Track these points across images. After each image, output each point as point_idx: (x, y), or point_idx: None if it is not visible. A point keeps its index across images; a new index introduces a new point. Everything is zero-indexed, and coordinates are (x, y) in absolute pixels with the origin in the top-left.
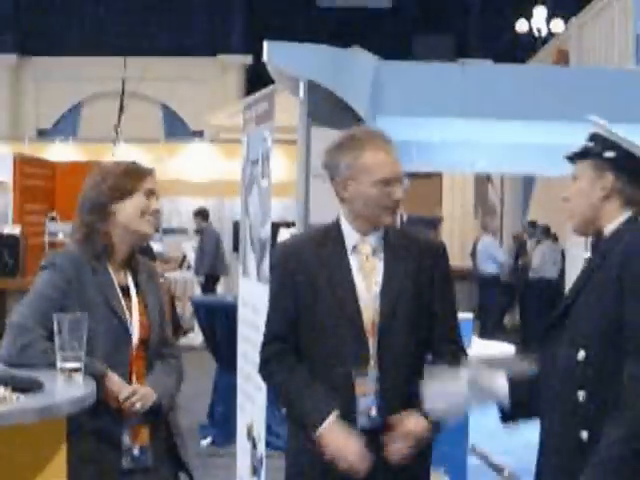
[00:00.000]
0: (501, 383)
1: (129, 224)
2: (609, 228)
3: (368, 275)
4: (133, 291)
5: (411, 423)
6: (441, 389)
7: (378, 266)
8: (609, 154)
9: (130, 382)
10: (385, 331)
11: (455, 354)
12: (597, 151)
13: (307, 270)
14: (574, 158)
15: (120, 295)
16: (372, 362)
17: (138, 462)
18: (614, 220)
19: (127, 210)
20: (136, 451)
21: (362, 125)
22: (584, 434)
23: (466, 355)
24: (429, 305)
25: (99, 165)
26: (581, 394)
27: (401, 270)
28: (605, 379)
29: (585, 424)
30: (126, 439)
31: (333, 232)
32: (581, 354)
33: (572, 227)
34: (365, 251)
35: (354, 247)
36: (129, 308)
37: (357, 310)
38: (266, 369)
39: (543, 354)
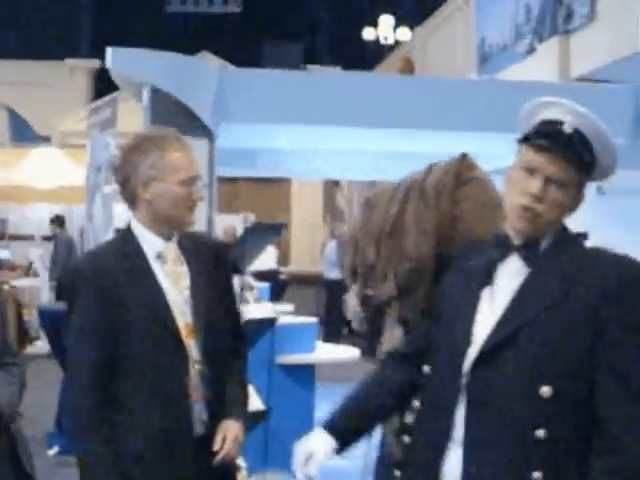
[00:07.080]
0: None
1: None
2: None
3: (178, 281)
4: None
5: (235, 428)
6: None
7: (184, 271)
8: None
9: None
10: (206, 334)
11: (237, 352)
12: None
13: (115, 284)
14: None
15: None
16: (197, 367)
17: None
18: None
19: None
20: None
21: (157, 127)
22: (536, 474)
23: (244, 355)
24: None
25: None
26: (540, 432)
27: (203, 272)
28: (571, 419)
29: (539, 464)
30: None
31: (128, 240)
32: (545, 390)
33: None
34: (170, 257)
35: (159, 254)
36: None
37: (171, 318)
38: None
39: (480, 379)
